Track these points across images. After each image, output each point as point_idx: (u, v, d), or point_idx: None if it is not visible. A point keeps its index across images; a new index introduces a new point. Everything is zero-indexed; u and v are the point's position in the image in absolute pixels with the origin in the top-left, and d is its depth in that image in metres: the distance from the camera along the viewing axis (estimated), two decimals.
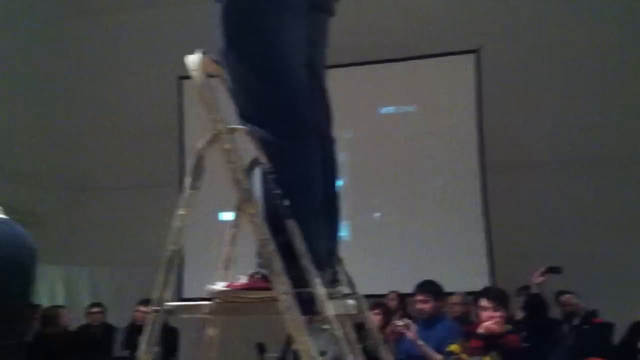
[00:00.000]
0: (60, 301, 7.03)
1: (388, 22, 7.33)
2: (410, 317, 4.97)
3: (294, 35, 1.91)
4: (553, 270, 5.29)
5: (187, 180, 1.81)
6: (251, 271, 1.81)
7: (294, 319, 1.58)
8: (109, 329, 6.31)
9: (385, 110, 7.54)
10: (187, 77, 6.19)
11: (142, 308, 5.91)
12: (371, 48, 7.14)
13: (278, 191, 1.79)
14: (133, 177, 8.03)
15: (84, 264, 7.72)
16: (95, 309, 6.53)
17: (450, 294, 5.63)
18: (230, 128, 1.80)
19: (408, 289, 5.40)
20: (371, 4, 7.14)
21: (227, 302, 1.74)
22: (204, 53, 1.88)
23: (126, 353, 5.73)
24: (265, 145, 1.84)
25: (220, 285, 1.77)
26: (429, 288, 4.64)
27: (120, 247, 7.87)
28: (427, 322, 4.55)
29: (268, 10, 1.88)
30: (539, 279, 5.23)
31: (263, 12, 1.87)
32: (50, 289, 7.08)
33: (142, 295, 6.17)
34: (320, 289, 1.65)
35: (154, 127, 7.95)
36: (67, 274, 7.38)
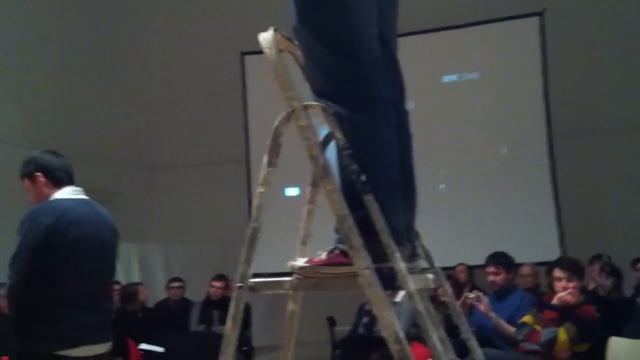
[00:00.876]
0: (135, 278, 7.20)
1: None
2: (479, 290, 4.93)
3: (365, 8, 1.89)
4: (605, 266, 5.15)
5: (265, 158, 1.81)
6: (330, 247, 1.81)
7: (376, 294, 1.58)
8: (187, 304, 6.42)
9: (448, 78, 7.43)
10: (250, 53, 6.26)
11: (216, 283, 6.02)
12: (432, 15, 7.03)
13: (354, 166, 1.78)
14: (201, 155, 8.16)
15: (157, 241, 7.90)
16: (175, 284, 6.60)
17: (520, 264, 5.56)
18: (305, 105, 1.80)
19: (476, 261, 5.36)
20: None
21: (307, 278, 1.74)
22: (275, 29, 1.88)
23: (201, 327, 5.84)
24: (339, 120, 1.83)
25: (300, 262, 1.78)
26: (500, 260, 4.57)
27: (192, 223, 8.04)
28: (499, 294, 4.49)
29: None
30: (601, 280, 5.12)
31: None
32: (126, 266, 7.25)
33: (214, 270, 6.31)
34: (400, 264, 1.64)
35: (219, 104, 8.05)
36: (141, 251, 7.56)
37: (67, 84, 6.96)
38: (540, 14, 6.97)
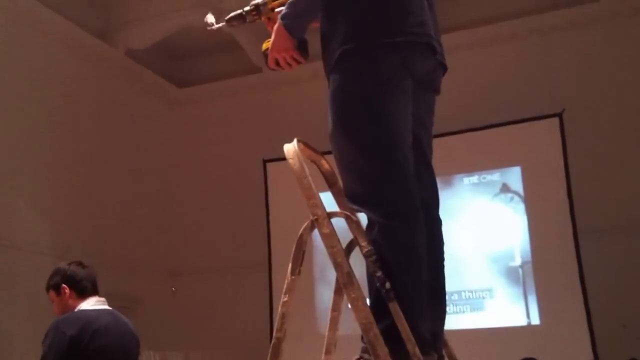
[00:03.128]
0: None
1: (470, 91, 7.33)
2: None
3: (402, 116, 1.92)
4: None
5: (289, 266, 1.82)
6: (355, 356, 1.78)
7: None
8: None
9: (468, 180, 7.45)
10: (272, 160, 6.38)
11: None
12: (453, 118, 7.13)
13: (380, 273, 1.77)
14: (223, 260, 8.16)
15: (178, 348, 7.80)
16: None
17: None
18: (329, 213, 1.82)
19: None
20: (454, 75, 7.15)
21: None
22: (299, 140, 1.93)
23: None
24: (369, 225, 1.84)
25: None
26: None
27: (213, 330, 7.94)
28: None
29: (378, 91, 1.90)
30: None
31: (372, 93, 1.90)
32: None
33: None
34: None
35: (242, 210, 8.12)
36: (162, 358, 7.45)
37: (94, 192, 7.09)
38: (559, 115, 7.05)
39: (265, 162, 7.83)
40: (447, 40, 7.23)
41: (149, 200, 7.99)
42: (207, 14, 2.39)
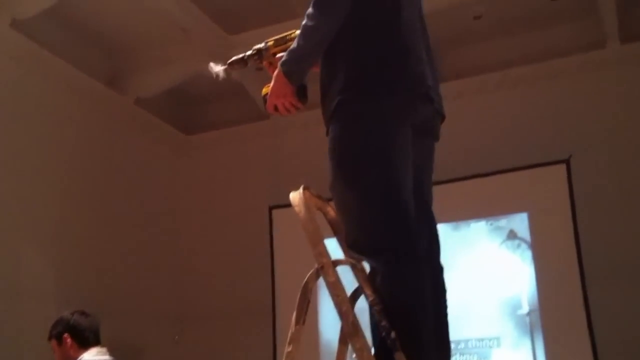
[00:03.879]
0: None
1: (477, 137, 7.36)
2: None
3: (401, 163, 1.94)
4: None
5: (294, 315, 1.80)
6: None
7: None
8: None
9: (475, 224, 7.42)
10: (277, 207, 6.38)
11: None
12: (461, 164, 7.15)
13: (385, 323, 1.75)
14: (227, 307, 8.09)
15: None
16: None
17: None
18: (334, 261, 1.81)
19: None
20: (461, 121, 7.19)
21: None
22: (305, 187, 1.93)
23: None
24: (373, 274, 1.84)
25: None
26: None
27: None
28: None
29: (377, 139, 1.93)
30: None
31: (371, 142, 1.92)
32: None
33: None
34: None
35: (247, 257, 8.09)
36: None
37: (99, 239, 7.08)
38: (566, 161, 7.04)
39: (270, 208, 7.82)
40: (455, 87, 7.37)
41: (155, 247, 7.98)
42: (216, 62, 2.44)
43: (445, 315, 1.99)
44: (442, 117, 2.13)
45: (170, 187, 8.43)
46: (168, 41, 7.20)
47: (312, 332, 7.05)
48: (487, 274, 7.17)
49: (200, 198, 8.57)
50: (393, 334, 1.74)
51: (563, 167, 7.06)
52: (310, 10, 2.06)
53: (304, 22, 2.07)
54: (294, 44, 2.07)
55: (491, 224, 7.37)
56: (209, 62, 2.44)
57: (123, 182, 7.60)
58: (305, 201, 1.87)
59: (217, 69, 2.36)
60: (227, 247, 8.28)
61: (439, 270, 2.03)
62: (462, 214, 7.31)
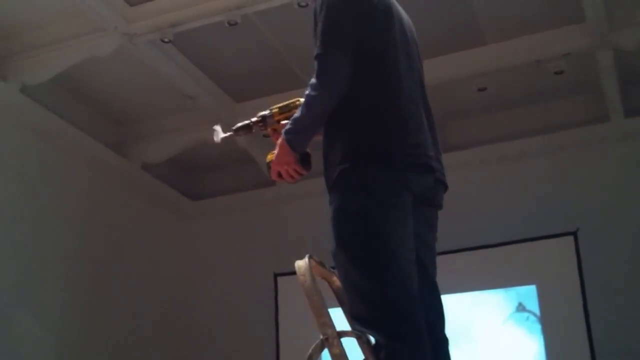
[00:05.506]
0: None
1: (484, 208, 7.35)
2: None
3: (403, 234, 1.94)
4: None
5: None
6: None
7: None
8: None
9: (481, 294, 7.32)
10: (283, 275, 6.30)
11: None
12: (469, 235, 7.11)
13: None
14: None
15: None
16: None
17: None
18: (339, 332, 1.77)
19: None
20: (469, 192, 7.18)
21: None
22: (310, 256, 1.91)
23: None
24: (377, 347, 1.80)
25: None
26: None
27: None
28: None
29: (375, 211, 1.92)
30: None
31: (369, 214, 1.92)
32: None
33: None
34: None
35: (252, 325, 7.97)
36: None
37: (101, 306, 7.01)
38: (574, 233, 6.99)
39: (276, 275, 7.74)
40: (461, 157, 7.39)
41: (158, 315, 7.87)
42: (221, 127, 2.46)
43: None
44: (445, 187, 2.15)
45: (175, 252, 8.39)
46: (175, 108, 7.28)
47: None
48: (496, 347, 7.04)
49: (205, 264, 8.50)
50: None
51: (571, 239, 7.01)
52: (313, 80, 2.10)
53: (307, 92, 2.10)
54: (297, 113, 2.11)
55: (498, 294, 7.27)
56: (213, 127, 2.47)
57: (128, 247, 7.57)
58: (311, 270, 1.85)
59: (222, 134, 2.38)
60: (231, 314, 8.17)
61: (444, 343, 2.00)
62: (469, 285, 7.22)
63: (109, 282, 7.16)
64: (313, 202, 7.96)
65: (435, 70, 6.41)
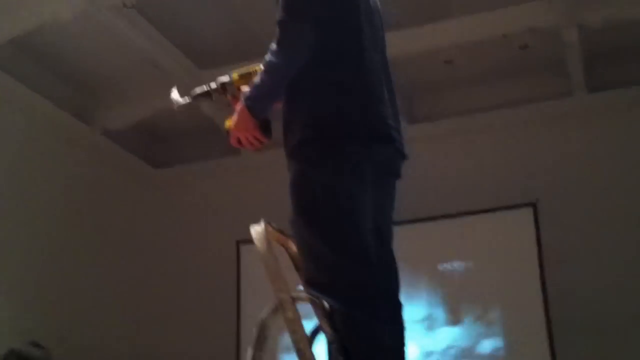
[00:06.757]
0: None
1: (444, 179, 7.43)
2: None
3: (362, 202, 1.96)
4: None
5: (249, 352, 1.76)
6: None
7: None
8: None
9: (443, 267, 7.42)
10: (245, 242, 6.30)
11: None
12: (427, 205, 7.19)
13: None
14: (194, 347, 7.93)
15: None
16: None
17: None
18: (293, 297, 1.79)
19: None
20: (424, 163, 7.26)
21: None
22: (267, 222, 1.92)
23: None
24: (331, 312, 1.82)
25: None
26: None
27: None
28: None
29: (336, 179, 1.94)
30: None
31: (331, 181, 1.94)
32: None
33: None
34: None
35: (214, 293, 7.98)
36: None
37: (61, 275, 6.93)
38: (533, 204, 7.11)
39: (238, 243, 7.75)
40: (428, 129, 7.43)
41: (119, 284, 7.81)
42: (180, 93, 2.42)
43: (403, 352, 1.98)
44: (404, 157, 2.17)
45: (137, 220, 8.32)
46: (139, 74, 7.18)
47: None
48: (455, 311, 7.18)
49: (169, 232, 8.46)
50: None
51: (530, 210, 7.13)
52: (273, 46, 2.08)
53: (267, 58, 2.08)
54: (257, 79, 2.09)
55: (459, 266, 7.36)
56: (171, 93, 2.43)
57: (88, 214, 7.49)
58: (267, 235, 1.86)
59: (180, 100, 2.36)
60: (193, 282, 8.17)
61: (399, 307, 2.03)
62: (428, 255, 7.32)
63: (69, 249, 7.09)
64: (278, 172, 7.91)
65: (402, 42, 6.41)
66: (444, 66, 7.29)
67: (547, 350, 6.71)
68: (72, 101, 7.44)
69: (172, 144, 8.86)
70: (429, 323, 7.08)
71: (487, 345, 7.02)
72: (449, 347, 7.08)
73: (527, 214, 7.15)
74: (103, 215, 7.72)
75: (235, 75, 2.30)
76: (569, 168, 7.29)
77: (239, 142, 2.16)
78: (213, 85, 2.31)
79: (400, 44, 6.40)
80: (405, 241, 6.43)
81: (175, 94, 2.41)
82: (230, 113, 2.25)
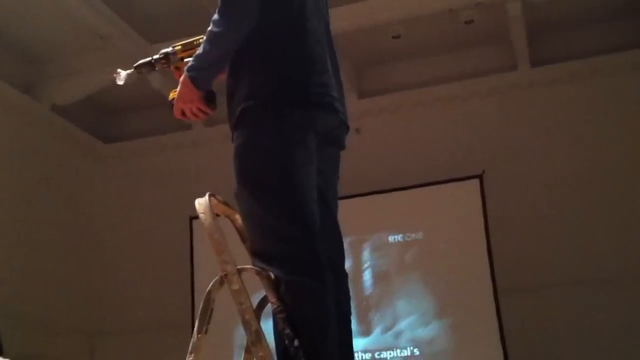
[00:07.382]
0: None
1: (392, 153, 7.53)
2: None
3: (306, 172, 1.96)
4: None
5: (196, 325, 1.81)
6: None
7: None
8: None
9: (393, 238, 7.54)
10: (198, 218, 6.25)
11: None
12: (377, 178, 7.29)
13: (288, 331, 1.77)
14: (145, 320, 7.94)
15: None
16: None
17: None
18: (239, 268, 1.82)
19: None
20: (374, 136, 7.38)
21: None
22: (211, 195, 1.94)
23: None
24: (277, 283, 1.84)
25: None
26: None
27: None
28: None
29: (281, 148, 1.94)
30: None
31: (276, 150, 1.93)
32: None
33: None
34: None
35: (166, 269, 7.98)
36: None
37: (11, 246, 6.85)
38: (479, 176, 7.28)
39: (191, 218, 7.74)
40: (375, 103, 7.48)
41: (69, 257, 7.76)
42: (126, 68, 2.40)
43: (349, 322, 2.02)
44: (348, 128, 2.16)
45: (88, 195, 8.24)
46: (87, 48, 7.08)
47: (227, 341, 7.05)
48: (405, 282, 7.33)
49: (119, 207, 8.41)
50: (296, 342, 1.76)
51: (477, 182, 7.29)
52: (215, 16, 2.06)
53: (209, 28, 2.07)
54: (199, 50, 2.07)
55: (409, 237, 7.49)
56: (127, 69, 2.39)
57: (38, 189, 7.39)
58: (211, 208, 1.89)
59: (122, 72, 2.33)
60: (146, 257, 8.15)
61: (343, 276, 2.05)
62: (377, 227, 7.44)
63: (17, 222, 6.99)
64: (230, 146, 7.96)
65: (351, 17, 6.47)
66: (391, 41, 7.36)
67: (494, 312, 6.93)
68: (21, 76, 7.30)
69: (123, 118, 8.77)
70: (378, 295, 7.24)
71: (439, 311, 7.20)
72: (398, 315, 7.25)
73: (474, 185, 7.31)
74: (53, 191, 7.62)
75: (178, 45, 2.27)
76: (514, 140, 7.47)
77: (183, 113, 2.13)
78: (156, 56, 2.28)
79: (349, 18, 6.46)
80: (354, 214, 6.62)
81: (119, 70, 2.38)
82: (176, 85, 2.21)
